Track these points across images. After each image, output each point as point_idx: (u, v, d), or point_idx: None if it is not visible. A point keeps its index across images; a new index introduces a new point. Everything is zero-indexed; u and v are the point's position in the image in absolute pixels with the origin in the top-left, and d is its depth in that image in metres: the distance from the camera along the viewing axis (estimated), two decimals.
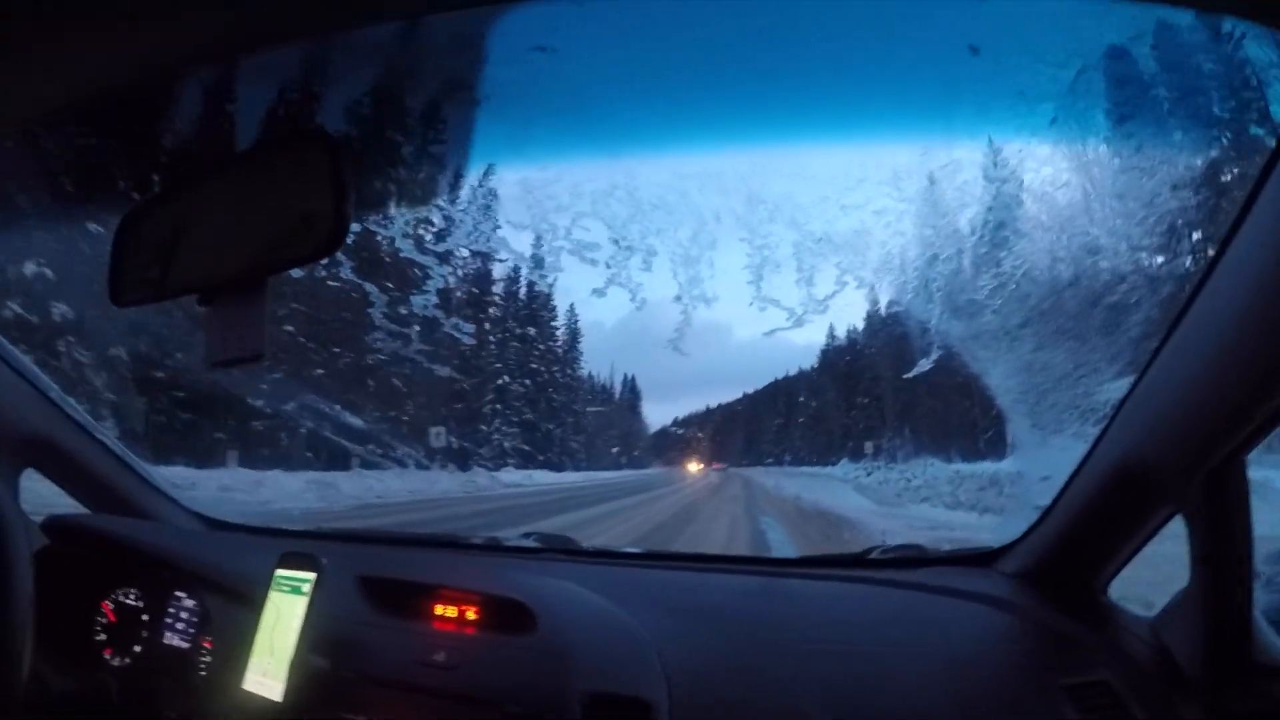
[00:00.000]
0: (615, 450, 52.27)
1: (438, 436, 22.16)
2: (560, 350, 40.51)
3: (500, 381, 32.44)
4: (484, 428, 30.28)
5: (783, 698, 1.21)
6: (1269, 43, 1.03)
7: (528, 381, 35.10)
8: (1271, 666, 1.12)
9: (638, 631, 1.37)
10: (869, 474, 24.45)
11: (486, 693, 1.28)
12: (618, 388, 62.55)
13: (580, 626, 1.40)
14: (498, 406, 31.72)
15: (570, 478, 32.06)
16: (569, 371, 42.84)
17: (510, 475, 26.43)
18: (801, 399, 57.90)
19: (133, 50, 0.66)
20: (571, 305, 39.43)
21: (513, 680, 1.30)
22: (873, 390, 40.01)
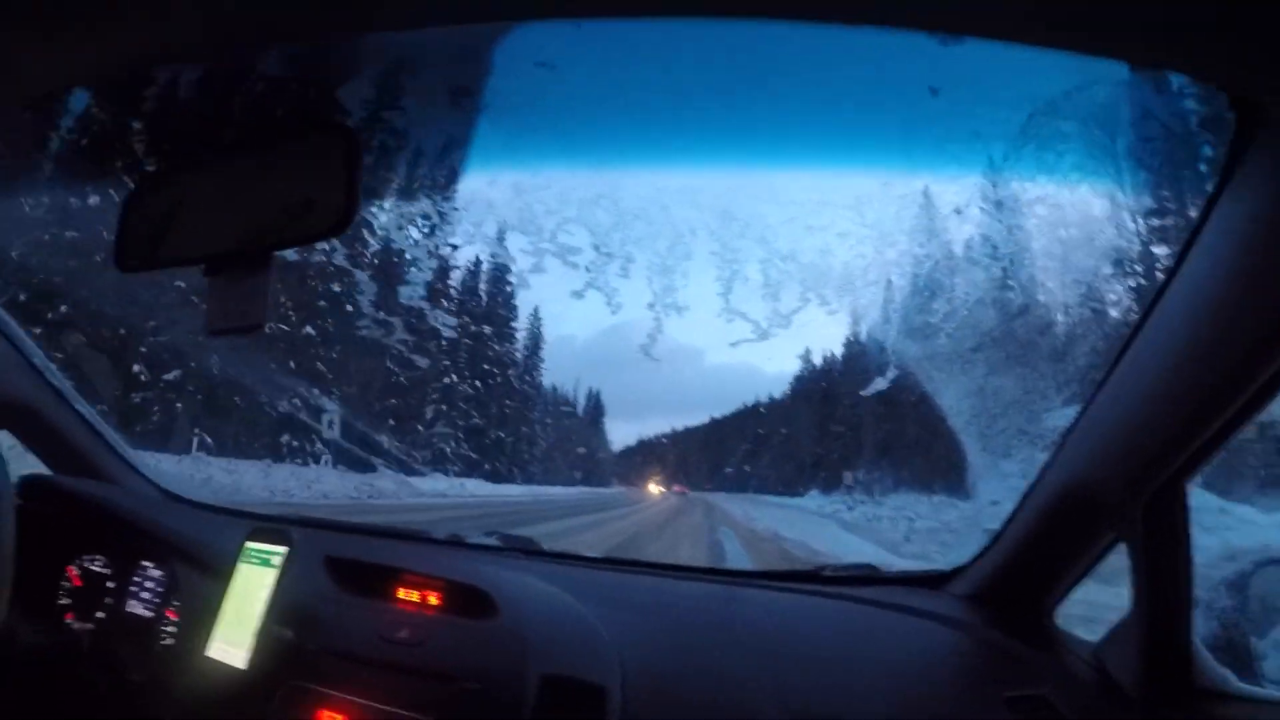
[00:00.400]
0: (570, 466, 50.48)
1: (330, 425, 19.84)
2: (519, 354, 39.68)
3: (446, 380, 31.09)
4: (420, 428, 28.93)
5: (735, 694, 1.24)
6: (1209, 97, 1.11)
7: (478, 384, 33.83)
8: (1210, 690, 1.16)
9: (595, 624, 1.40)
10: (850, 508, 23.77)
11: (446, 669, 1.30)
12: (581, 401, 62.24)
13: (539, 615, 1.42)
14: (442, 407, 30.61)
15: (511, 491, 30.34)
16: (527, 378, 41.84)
17: (432, 483, 23.97)
18: (767, 427, 58.35)
19: (152, 31, 0.67)
20: (536, 309, 39.10)
21: (472, 659, 1.32)
22: (848, 418, 39.49)
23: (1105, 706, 1.23)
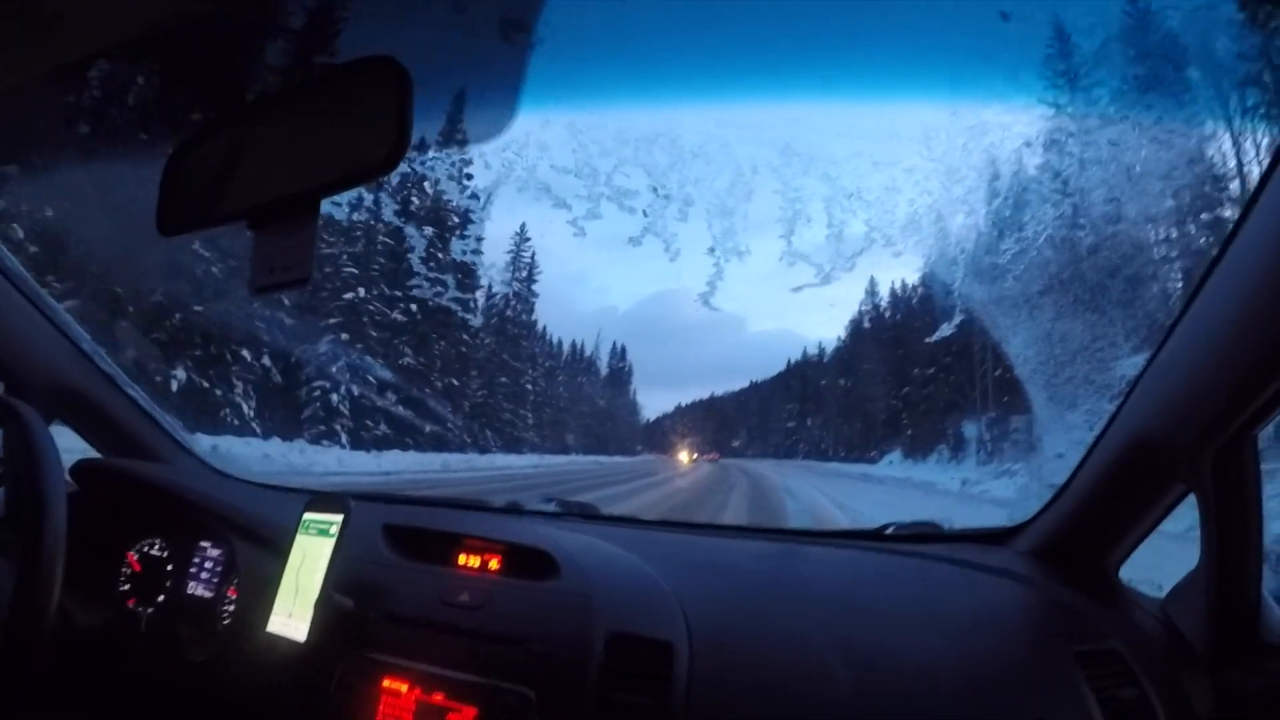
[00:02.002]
0: (584, 434, 46.53)
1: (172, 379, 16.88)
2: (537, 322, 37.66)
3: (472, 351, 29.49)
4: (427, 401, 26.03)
5: (801, 648, 1.25)
6: None
7: (504, 355, 32.17)
8: (1279, 646, 1.16)
9: (659, 581, 1.42)
10: (997, 475, 16.92)
11: (510, 631, 1.32)
12: (604, 366, 57.21)
13: (602, 574, 1.44)
14: (459, 380, 28.61)
15: (515, 463, 27.39)
16: (543, 344, 40.21)
17: (323, 454, 19.55)
18: (826, 379, 51.71)
19: None
20: (523, 226, 35.16)
21: (536, 620, 1.34)
22: (933, 364, 31.43)
23: (1173, 662, 1.23)
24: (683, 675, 1.19)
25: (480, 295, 31.73)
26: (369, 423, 22.37)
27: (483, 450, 28.63)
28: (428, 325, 26.23)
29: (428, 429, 24.78)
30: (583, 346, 54.58)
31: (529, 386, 36.94)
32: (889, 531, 1.82)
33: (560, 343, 49.85)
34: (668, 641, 1.24)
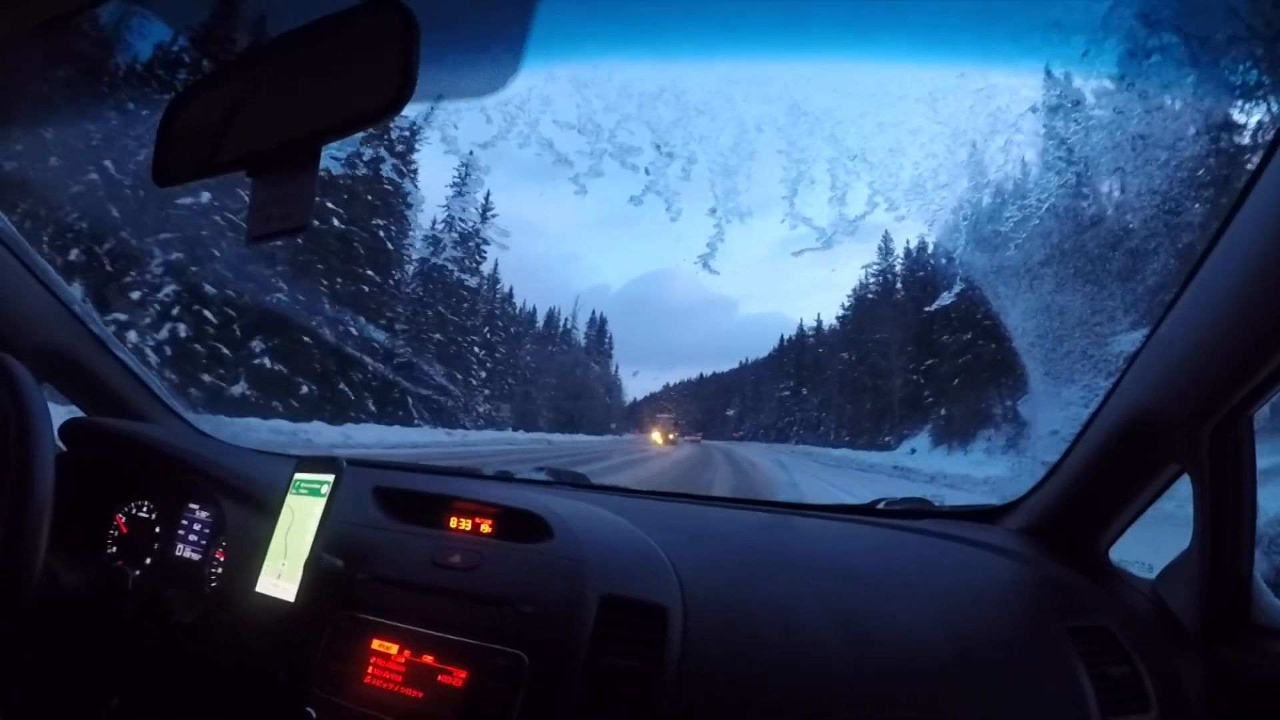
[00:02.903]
0: (555, 412, 42.69)
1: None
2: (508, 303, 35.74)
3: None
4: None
5: (795, 614, 1.26)
6: None
7: (487, 333, 30.76)
8: (1268, 626, 1.17)
9: (652, 545, 1.43)
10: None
11: (502, 593, 1.33)
12: (582, 338, 52.87)
13: (595, 537, 1.46)
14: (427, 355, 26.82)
15: (471, 438, 24.54)
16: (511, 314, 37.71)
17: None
18: (822, 352, 47.39)
19: None
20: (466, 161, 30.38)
21: (528, 582, 1.35)
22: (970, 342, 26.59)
23: (1164, 641, 1.24)
24: (676, 639, 1.20)
25: (415, 233, 28.58)
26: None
27: (392, 421, 23.69)
28: (318, 251, 22.29)
29: (305, 389, 20.59)
30: (558, 315, 50.88)
31: (477, 350, 33.71)
32: (880, 506, 1.84)
33: (535, 310, 47.03)
34: (661, 605, 1.25)
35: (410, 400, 25.61)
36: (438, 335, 29.90)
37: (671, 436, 41.95)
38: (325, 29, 0.82)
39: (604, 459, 20.72)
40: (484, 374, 34.33)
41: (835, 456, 27.11)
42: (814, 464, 23.87)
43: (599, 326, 56.19)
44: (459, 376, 30.83)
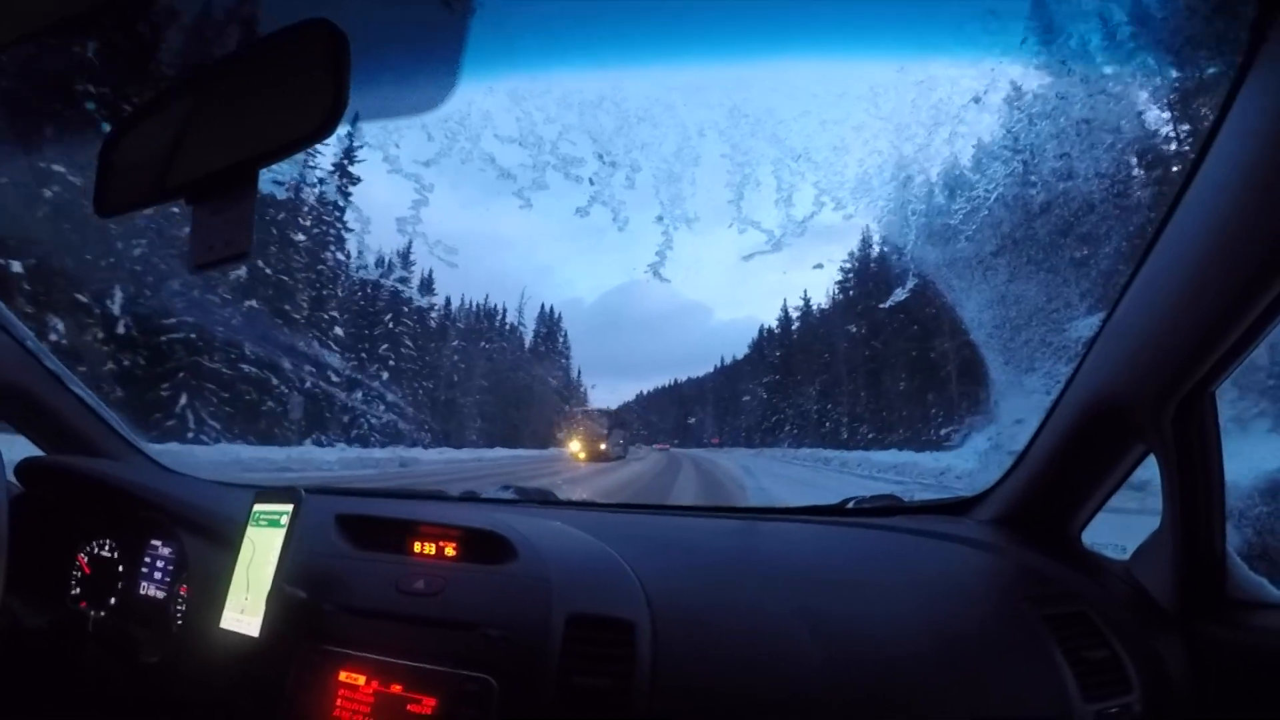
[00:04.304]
0: (511, 424, 36.00)
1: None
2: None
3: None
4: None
5: (766, 621, 1.28)
6: None
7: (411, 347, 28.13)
8: (1245, 600, 1.21)
9: (618, 560, 1.43)
10: None
11: (468, 617, 1.33)
12: (530, 336, 44.61)
13: (560, 555, 1.46)
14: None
15: (425, 457, 21.77)
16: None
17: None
18: (818, 334, 40.48)
19: None
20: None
21: (494, 604, 1.35)
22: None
23: (1142, 621, 1.27)
24: (646, 654, 1.21)
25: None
26: None
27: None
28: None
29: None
30: (502, 311, 42.96)
31: (380, 347, 29.91)
32: (849, 505, 1.86)
33: (475, 305, 40.59)
34: (629, 621, 1.26)
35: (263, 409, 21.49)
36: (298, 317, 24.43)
37: (604, 447, 29.03)
38: (258, 52, 0.83)
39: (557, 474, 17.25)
40: (385, 375, 29.94)
41: (885, 464, 18.54)
42: (832, 472, 19.17)
43: (551, 322, 47.86)
44: (342, 378, 26.25)
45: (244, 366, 20.64)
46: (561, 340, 48.87)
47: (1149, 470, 1.30)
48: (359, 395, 27.48)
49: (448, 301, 38.42)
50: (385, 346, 31.21)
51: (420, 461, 20.64)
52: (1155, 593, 1.31)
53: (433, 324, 36.68)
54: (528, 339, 46.28)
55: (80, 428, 1.99)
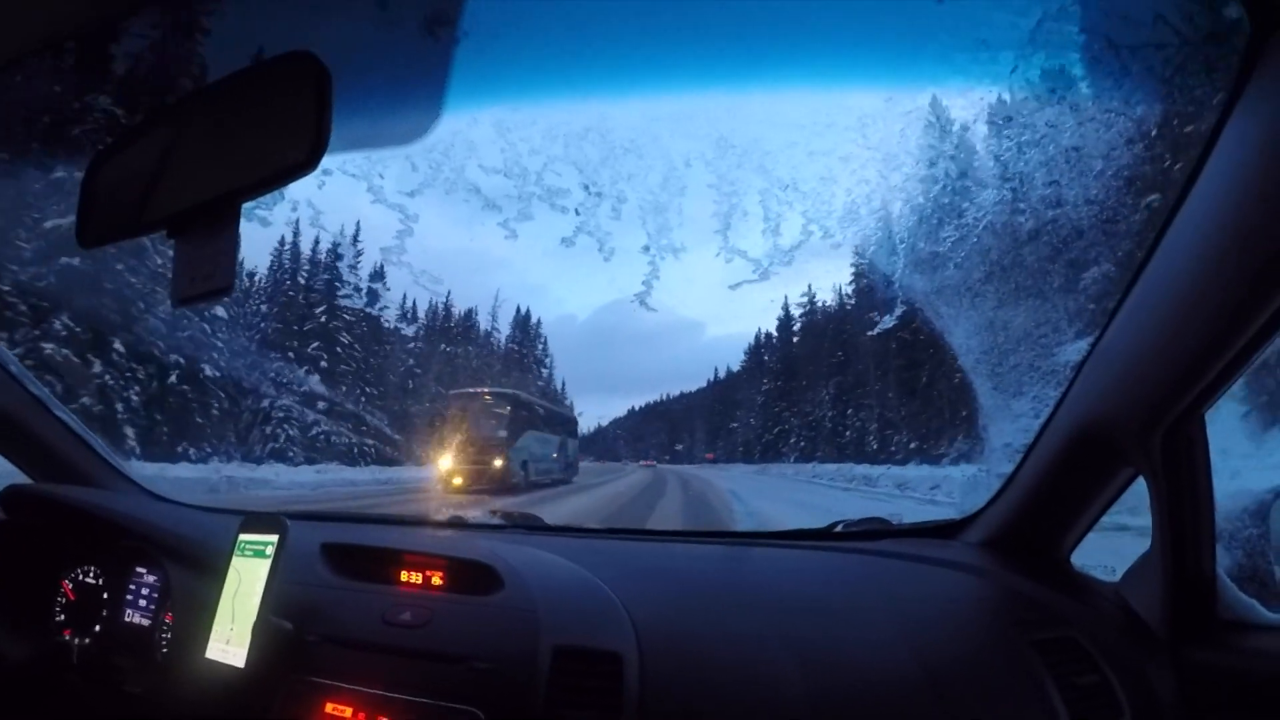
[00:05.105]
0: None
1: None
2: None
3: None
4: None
5: (754, 650, 1.28)
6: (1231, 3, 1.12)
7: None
8: (1236, 621, 1.22)
9: (605, 590, 1.44)
10: None
11: (453, 649, 1.33)
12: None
13: (547, 586, 1.47)
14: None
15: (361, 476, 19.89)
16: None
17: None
18: (834, 330, 33.05)
19: None
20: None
21: (479, 636, 1.36)
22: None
23: (1132, 645, 1.28)
24: (633, 686, 1.21)
25: None
26: None
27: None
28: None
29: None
30: (472, 313, 37.68)
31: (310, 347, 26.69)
32: (837, 529, 1.87)
33: (437, 305, 35.90)
34: (616, 652, 1.26)
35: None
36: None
37: (498, 464, 17.91)
38: (241, 83, 0.84)
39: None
40: (315, 377, 26.32)
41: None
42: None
43: (525, 323, 42.93)
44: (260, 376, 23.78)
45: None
46: (541, 348, 45.03)
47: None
48: (284, 402, 24.62)
49: (405, 299, 34.64)
50: (316, 345, 28.06)
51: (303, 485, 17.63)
52: (1145, 615, 1.32)
53: (387, 324, 33.06)
54: (502, 344, 42.26)
55: (64, 453, 1.99)
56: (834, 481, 22.23)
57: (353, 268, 30.23)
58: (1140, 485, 1.31)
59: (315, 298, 28.96)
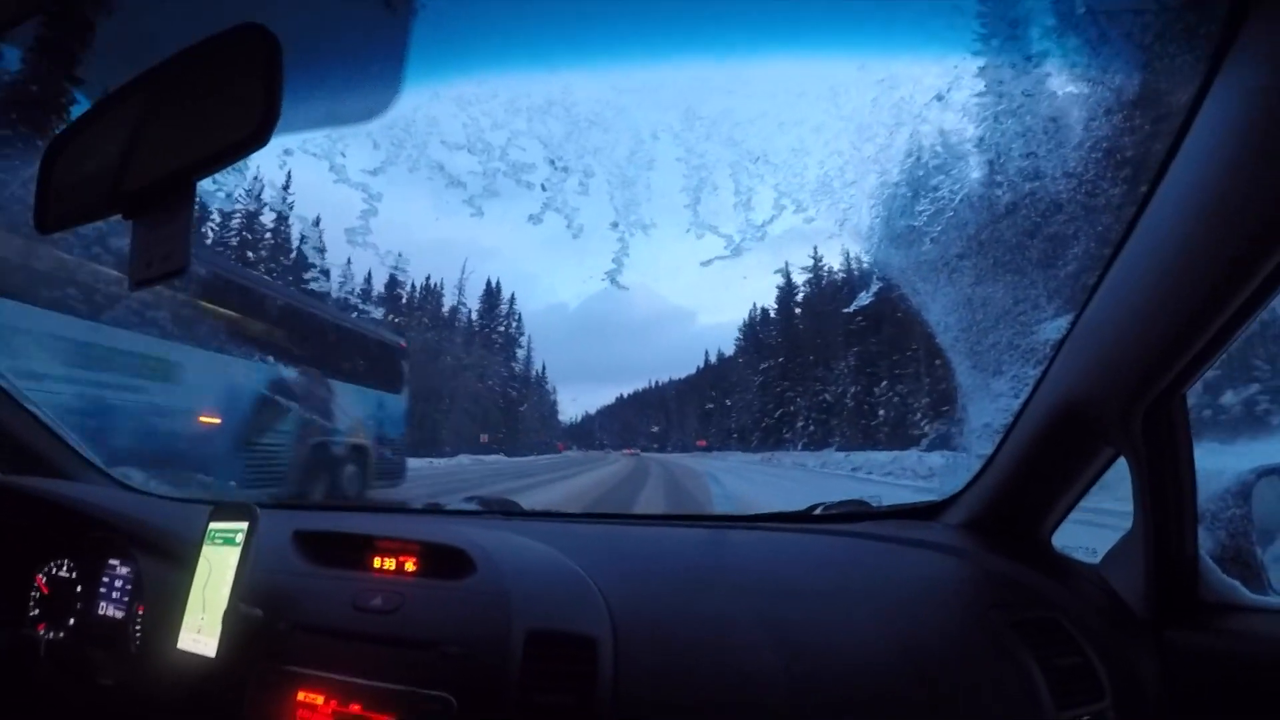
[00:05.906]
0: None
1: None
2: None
3: None
4: None
5: (731, 634, 1.28)
6: None
7: None
8: (1218, 603, 1.22)
9: (580, 574, 1.43)
10: None
11: (424, 635, 1.33)
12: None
13: (520, 570, 1.46)
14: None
15: None
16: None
17: None
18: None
19: None
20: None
21: (451, 621, 1.35)
22: None
23: (1114, 626, 1.29)
24: (608, 670, 1.21)
25: None
26: None
27: None
28: None
29: None
30: (427, 283, 34.16)
31: None
32: (817, 512, 1.87)
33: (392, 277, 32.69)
34: (590, 636, 1.26)
35: None
36: None
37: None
38: (189, 59, 0.83)
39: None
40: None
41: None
42: None
43: (495, 296, 38.52)
44: None
45: None
46: (514, 326, 41.31)
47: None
48: None
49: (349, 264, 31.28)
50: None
51: None
52: (1127, 597, 1.32)
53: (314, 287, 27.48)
54: (471, 319, 38.20)
55: (37, 447, 1.99)
56: (874, 478, 18.06)
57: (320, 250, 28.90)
58: (1121, 465, 1.30)
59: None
